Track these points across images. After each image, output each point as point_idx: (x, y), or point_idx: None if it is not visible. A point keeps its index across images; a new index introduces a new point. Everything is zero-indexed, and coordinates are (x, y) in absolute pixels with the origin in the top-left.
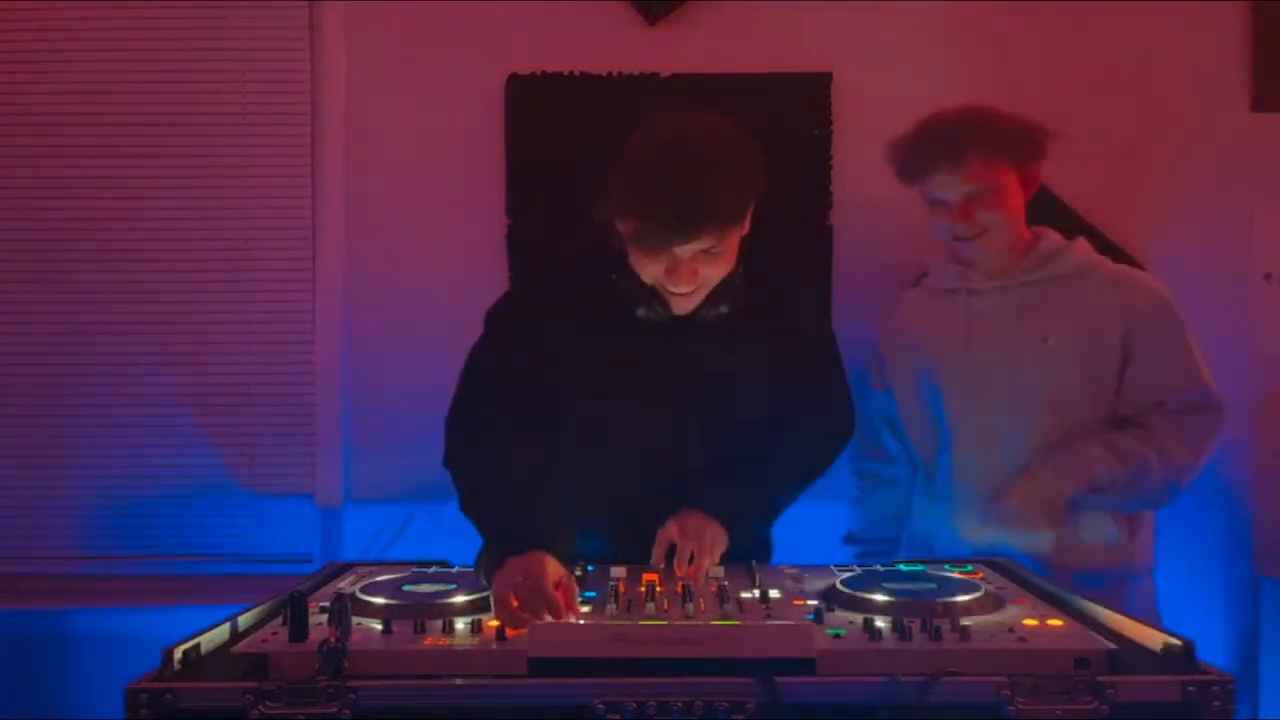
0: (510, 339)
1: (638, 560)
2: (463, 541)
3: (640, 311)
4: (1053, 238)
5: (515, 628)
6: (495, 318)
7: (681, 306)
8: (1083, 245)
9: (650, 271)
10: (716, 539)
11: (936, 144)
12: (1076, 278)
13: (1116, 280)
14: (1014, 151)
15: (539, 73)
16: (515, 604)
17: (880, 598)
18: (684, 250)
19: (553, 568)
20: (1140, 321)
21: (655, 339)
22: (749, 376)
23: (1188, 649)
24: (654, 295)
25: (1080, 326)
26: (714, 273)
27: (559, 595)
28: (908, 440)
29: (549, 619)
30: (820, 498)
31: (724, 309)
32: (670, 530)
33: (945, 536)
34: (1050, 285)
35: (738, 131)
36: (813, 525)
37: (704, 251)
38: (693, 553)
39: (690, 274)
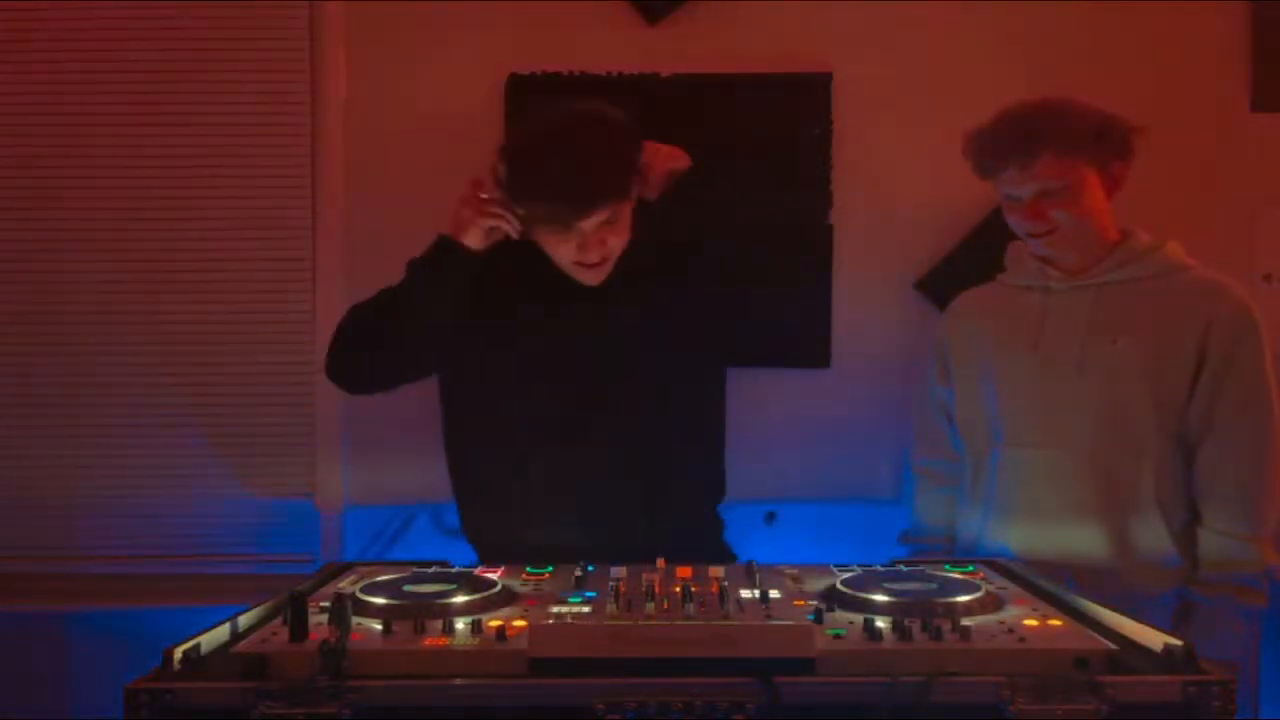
0: None
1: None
2: (463, 542)
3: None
4: (1140, 238)
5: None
6: None
7: (592, 278)
8: (1173, 248)
9: (562, 252)
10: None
11: (1008, 139)
12: (1160, 280)
13: (1201, 287)
14: (1092, 147)
15: (539, 73)
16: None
17: (880, 598)
18: (588, 224)
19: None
20: (1217, 333)
21: (571, 308)
22: (663, 332)
23: (1188, 649)
24: (563, 276)
25: (1154, 332)
26: (618, 242)
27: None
28: (962, 438)
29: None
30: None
31: (628, 273)
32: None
33: (988, 540)
34: (1131, 287)
35: (613, 113)
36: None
37: (605, 223)
38: None
39: (598, 244)
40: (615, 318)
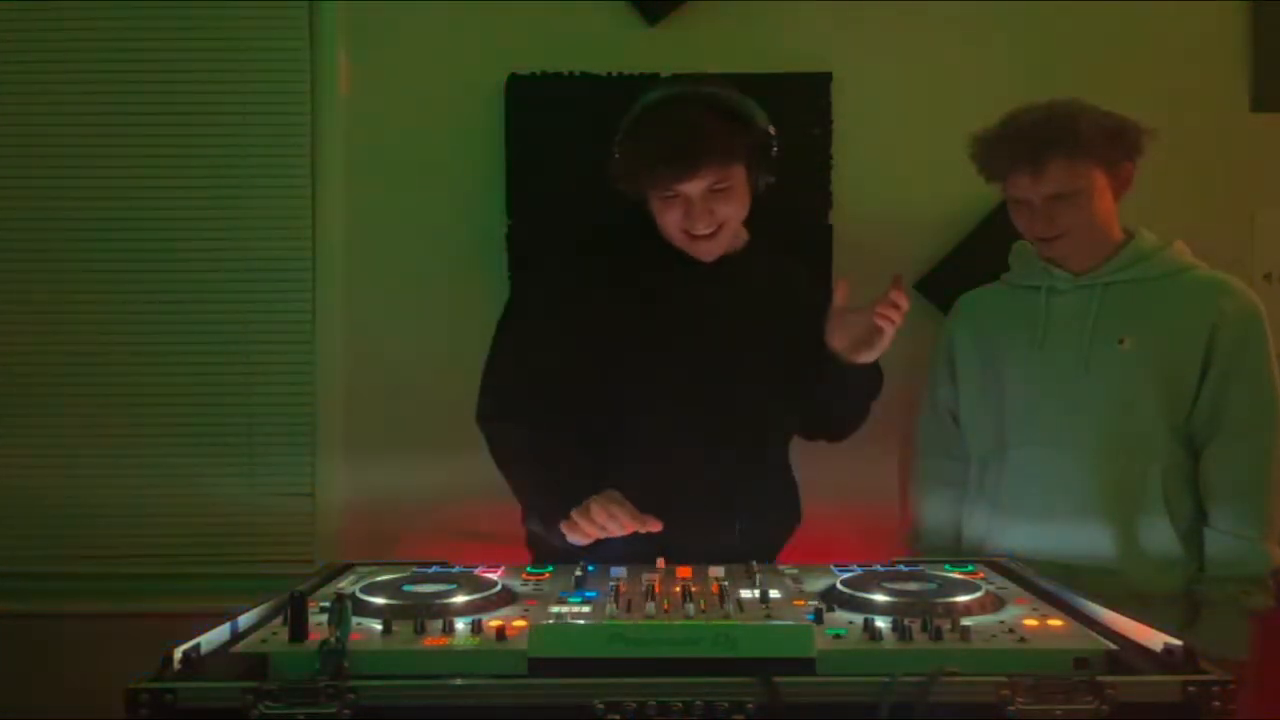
0: (540, 307)
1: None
2: (461, 542)
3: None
4: (1146, 238)
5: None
6: (524, 287)
7: (703, 252)
8: (1179, 248)
9: (670, 220)
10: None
11: (1019, 144)
12: (1165, 281)
13: (1207, 286)
14: (1103, 152)
15: (539, 73)
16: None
17: (880, 598)
18: (692, 188)
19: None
20: (1223, 333)
21: (683, 292)
22: (781, 322)
23: (1188, 649)
24: (679, 253)
25: (1161, 331)
26: (729, 210)
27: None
28: (966, 438)
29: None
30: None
31: (742, 259)
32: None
33: (993, 541)
34: (1136, 287)
35: (736, 91)
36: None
37: (713, 190)
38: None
39: (705, 213)
40: (723, 305)
